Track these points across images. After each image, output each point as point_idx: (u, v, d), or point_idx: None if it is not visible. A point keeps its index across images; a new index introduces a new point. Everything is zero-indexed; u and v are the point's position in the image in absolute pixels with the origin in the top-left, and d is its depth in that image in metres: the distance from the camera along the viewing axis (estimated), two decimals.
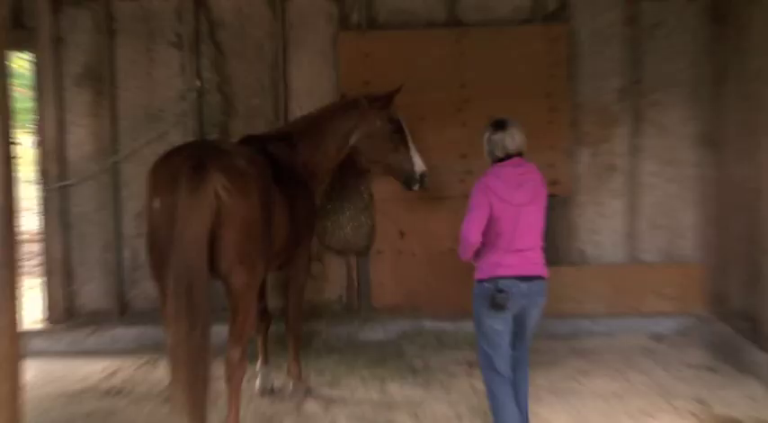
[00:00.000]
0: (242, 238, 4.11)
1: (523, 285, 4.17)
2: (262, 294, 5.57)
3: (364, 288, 7.23)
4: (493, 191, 4.14)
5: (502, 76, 6.88)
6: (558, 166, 6.99)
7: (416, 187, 5.96)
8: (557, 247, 7.15)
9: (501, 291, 4.11)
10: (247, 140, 5.47)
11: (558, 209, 7.12)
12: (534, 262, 4.23)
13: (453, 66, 6.91)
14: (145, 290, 7.17)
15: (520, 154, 4.28)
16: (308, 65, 7.14)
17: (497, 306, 4.09)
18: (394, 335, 6.93)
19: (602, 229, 7.29)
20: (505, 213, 4.14)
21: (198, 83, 7.00)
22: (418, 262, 7.17)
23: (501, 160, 4.27)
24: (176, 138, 6.96)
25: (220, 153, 4.23)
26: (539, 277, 4.23)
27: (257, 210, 4.23)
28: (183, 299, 3.73)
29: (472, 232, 4.12)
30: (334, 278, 7.30)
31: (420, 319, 7.05)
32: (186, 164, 3.94)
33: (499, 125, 4.27)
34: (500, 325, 4.19)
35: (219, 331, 4.26)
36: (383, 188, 7.02)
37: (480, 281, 4.23)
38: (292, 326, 5.55)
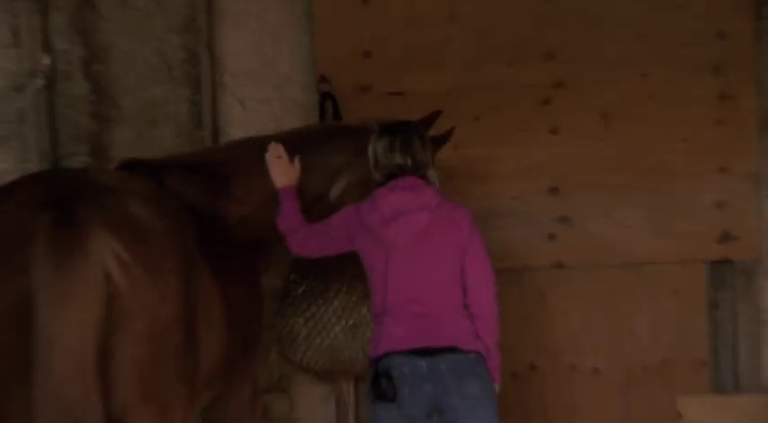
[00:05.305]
0: (148, 354, 2.86)
1: (423, 363, 3.31)
2: None
3: None
4: (362, 217, 3.36)
5: (620, 38, 4.78)
6: (734, 205, 4.76)
7: None
8: (727, 358, 4.80)
9: (384, 374, 3.36)
10: (129, 170, 3.85)
11: (732, 286, 4.82)
12: (441, 328, 3.35)
13: (529, 20, 4.85)
14: None
15: (416, 173, 3.43)
16: (256, 23, 5.03)
17: (382, 396, 3.36)
18: None
19: None
20: (376, 258, 3.35)
21: (46, 60, 4.89)
22: None
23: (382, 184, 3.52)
24: (7, 165, 4.83)
25: (101, 193, 2.98)
26: (452, 349, 3.34)
27: (175, 301, 2.94)
28: None
29: (306, 237, 3.49)
30: None
31: None
32: (42, 215, 2.79)
33: (388, 128, 3.47)
34: None
35: None
36: None
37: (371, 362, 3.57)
38: None
